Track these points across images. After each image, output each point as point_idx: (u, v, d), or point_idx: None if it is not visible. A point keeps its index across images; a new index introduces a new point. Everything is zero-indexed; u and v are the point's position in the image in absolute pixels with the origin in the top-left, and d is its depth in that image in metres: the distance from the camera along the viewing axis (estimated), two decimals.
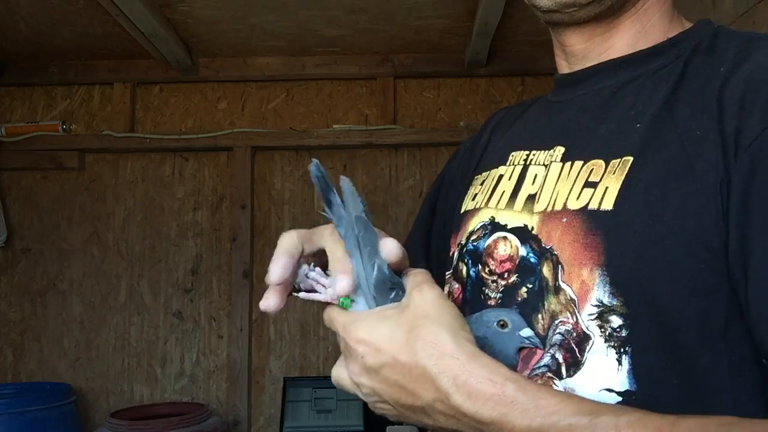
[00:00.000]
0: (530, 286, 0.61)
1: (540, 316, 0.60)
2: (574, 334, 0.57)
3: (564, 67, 0.73)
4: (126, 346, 2.57)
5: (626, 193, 0.57)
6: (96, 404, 2.53)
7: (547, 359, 0.58)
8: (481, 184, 0.76)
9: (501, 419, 0.48)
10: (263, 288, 0.59)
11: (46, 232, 2.61)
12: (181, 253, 2.63)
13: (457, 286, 0.72)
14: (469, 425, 0.50)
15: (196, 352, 2.58)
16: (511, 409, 0.48)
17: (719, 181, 0.52)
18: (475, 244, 0.70)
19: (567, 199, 0.61)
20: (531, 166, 0.69)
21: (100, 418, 2.46)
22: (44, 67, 2.61)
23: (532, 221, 0.64)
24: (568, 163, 0.64)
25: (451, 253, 0.76)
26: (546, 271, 0.60)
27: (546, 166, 0.67)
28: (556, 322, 0.58)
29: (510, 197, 0.69)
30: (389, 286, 0.57)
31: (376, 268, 0.57)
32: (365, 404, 0.61)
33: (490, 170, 0.76)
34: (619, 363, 0.54)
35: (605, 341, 0.55)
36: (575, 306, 0.57)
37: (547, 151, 0.68)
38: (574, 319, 0.57)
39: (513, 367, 0.58)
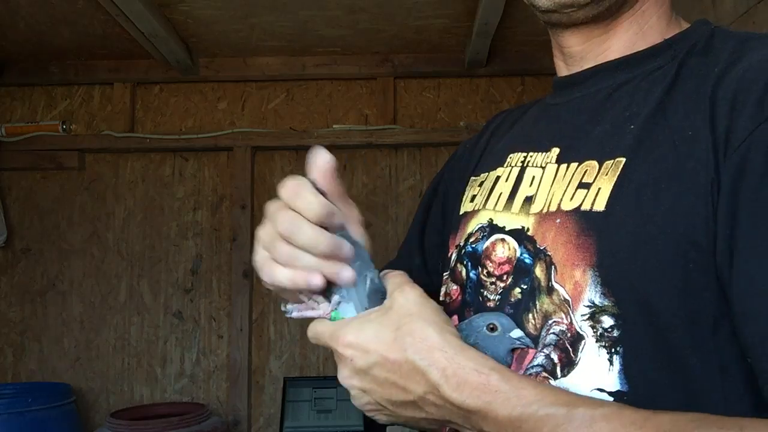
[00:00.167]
0: (524, 286, 0.62)
1: (531, 315, 0.60)
2: (569, 335, 0.57)
3: (562, 69, 0.74)
4: (126, 346, 2.57)
5: (618, 194, 0.57)
6: (96, 404, 2.53)
7: (541, 359, 0.59)
8: (480, 186, 0.76)
9: (485, 407, 0.50)
10: (263, 288, 0.60)
11: (46, 232, 2.62)
12: (181, 253, 2.63)
13: (455, 287, 0.72)
14: (457, 414, 0.53)
15: (196, 352, 2.58)
16: (495, 397, 0.50)
17: (710, 181, 0.52)
18: (473, 246, 0.70)
19: (561, 200, 0.62)
20: (528, 168, 0.69)
21: (100, 418, 2.47)
22: (44, 67, 2.61)
23: (528, 223, 0.65)
24: (564, 165, 0.65)
25: (449, 254, 0.76)
26: (539, 271, 0.61)
27: (542, 167, 0.67)
28: (550, 322, 0.59)
29: (508, 199, 0.69)
30: (381, 296, 0.58)
31: (368, 281, 0.58)
32: None
33: (488, 172, 0.76)
34: (611, 363, 0.54)
35: (597, 341, 0.55)
36: (569, 306, 0.57)
37: (543, 153, 0.69)
38: (569, 320, 0.57)
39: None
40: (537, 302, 0.60)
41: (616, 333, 0.54)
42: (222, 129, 2.63)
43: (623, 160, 0.59)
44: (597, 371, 0.55)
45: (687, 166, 0.54)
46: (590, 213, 0.58)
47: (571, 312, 0.57)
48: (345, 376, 0.58)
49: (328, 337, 0.58)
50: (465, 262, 0.71)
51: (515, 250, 0.64)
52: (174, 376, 2.57)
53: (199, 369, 2.57)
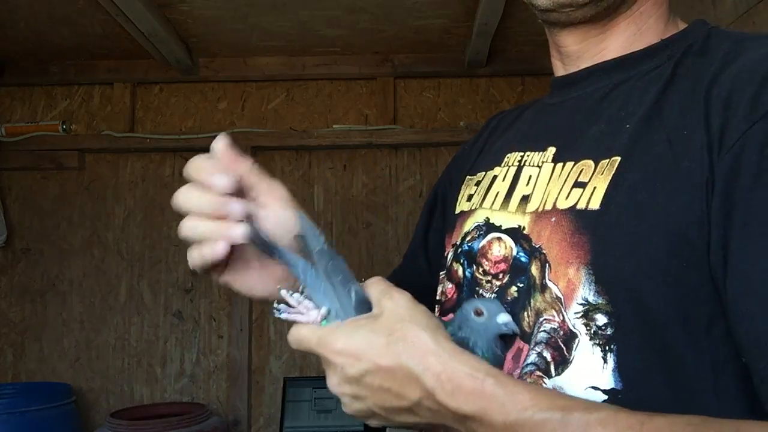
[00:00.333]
0: (520, 285, 0.62)
1: (526, 313, 0.61)
2: (561, 332, 0.57)
3: (559, 69, 0.74)
4: (126, 346, 2.57)
5: (613, 193, 0.57)
6: (96, 404, 2.54)
7: (533, 357, 0.59)
8: (476, 185, 0.77)
9: (481, 413, 0.50)
10: None
11: (46, 232, 2.62)
12: (181, 253, 2.62)
13: (450, 286, 0.73)
14: (453, 419, 0.52)
15: (196, 352, 2.58)
16: (490, 402, 0.50)
17: (704, 181, 0.52)
18: (469, 244, 0.70)
19: (557, 199, 0.62)
20: (525, 167, 0.70)
21: (100, 418, 2.47)
22: (44, 67, 2.61)
23: (524, 221, 0.65)
24: (560, 164, 0.65)
25: (445, 253, 0.76)
26: (534, 269, 0.61)
27: (539, 167, 0.68)
28: (541, 319, 0.59)
29: (504, 198, 0.70)
30: (367, 307, 0.58)
31: (353, 293, 0.58)
32: None
33: (485, 171, 0.77)
34: (605, 361, 0.54)
35: (591, 339, 0.55)
36: (561, 304, 0.57)
37: (540, 152, 0.69)
38: (561, 317, 0.57)
39: (497, 356, 0.60)
40: (531, 300, 0.60)
41: (609, 331, 0.54)
42: (222, 129, 2.62)
43: (618, 159, 0.59)
44: (591, 369, 0.55)
45: (682, 165, 0.54)
46: (585, 212, 0.58)
47: (563, 309, 0.57)
48: (335, 384, 0.57)
49: (315, 344, 0.58)
50: (461, 261, 0.71)
51: (512, 249, 0.64)
52: (174, 376, 2.57)
53: (199, 369, 2.57)
